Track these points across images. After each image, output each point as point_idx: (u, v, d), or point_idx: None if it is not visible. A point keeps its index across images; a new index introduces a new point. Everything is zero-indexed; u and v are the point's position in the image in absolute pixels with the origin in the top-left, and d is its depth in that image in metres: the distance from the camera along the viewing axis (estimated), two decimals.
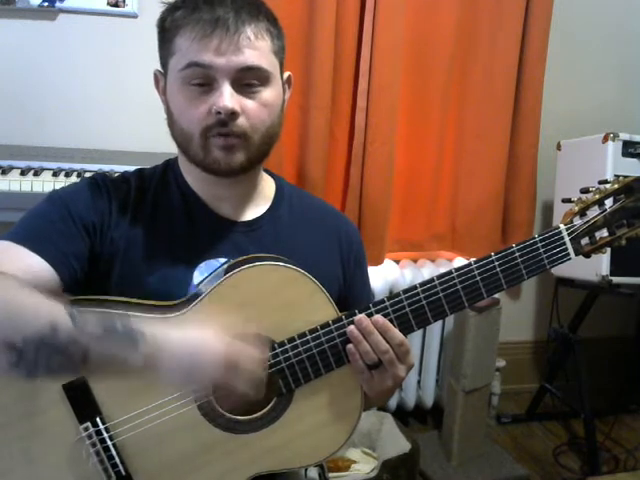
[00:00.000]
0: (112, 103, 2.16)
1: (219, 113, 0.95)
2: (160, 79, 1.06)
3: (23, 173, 1.81)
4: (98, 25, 2.11)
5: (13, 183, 1.75)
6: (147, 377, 0.86)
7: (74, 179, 1.83)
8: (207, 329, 0.89)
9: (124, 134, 2.14)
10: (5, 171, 1.79)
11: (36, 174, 1.81)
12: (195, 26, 0.95)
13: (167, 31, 0.99)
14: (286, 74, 1.09)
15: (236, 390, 0.89)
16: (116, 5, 2.10)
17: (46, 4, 2.04)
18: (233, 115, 0.96)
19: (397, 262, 2.48)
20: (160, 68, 1.05)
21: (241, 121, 0.97)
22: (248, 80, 0.97)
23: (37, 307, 0.83)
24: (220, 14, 0.94)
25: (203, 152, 0.99)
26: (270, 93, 1.00)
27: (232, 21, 0.94)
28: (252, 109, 0.98)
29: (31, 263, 0.93)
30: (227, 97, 0.95)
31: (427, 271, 2.40)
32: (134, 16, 2.13)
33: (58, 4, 2.05)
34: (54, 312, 0.83)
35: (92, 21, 2.11)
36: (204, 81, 0.96)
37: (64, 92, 2.12)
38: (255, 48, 0.97)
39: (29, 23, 2.07)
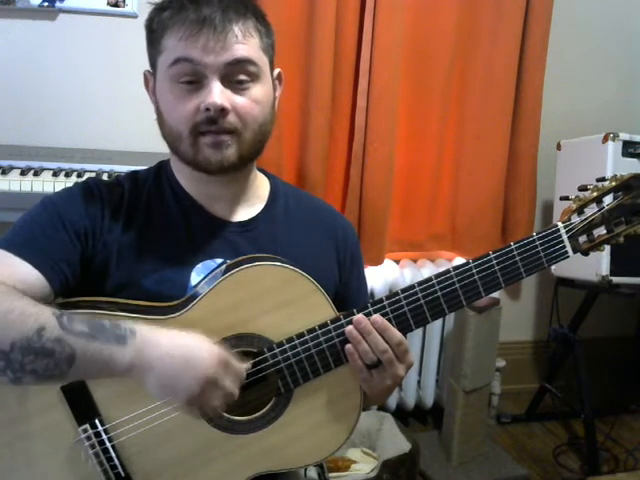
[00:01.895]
0: (112, 103, 2.15)
1: (208, 110, 0.94)
2: (150, 79, 1.05)
3: (23, 173, 1.80)
4: (98, 25, 2.11)
5: (13, 183, 1.75)
6: (131, 380, 0.86)
7: (74, 179, 1.82)
8: (199, 337, 0.89)
9: (124, 134, 2.13)
10: (5, 171, 1.79)
11: (36, 174, 1.80)
12: (181, 26, 0.94)
13: (154, 32, 0.99)
14: (276, 71, 1.08)
15: (209, 404, 0.88)
16: (116, 5, 2.10)
17: (46, 4, 2.04)
18: (223, 112, 0.95)
19: (397, 262, 2.48)
20: (149, 68, 1.05)
21: (231, 118, 0.96)
22: (238, 76, 0.97)
23: (23, 311, 0.84)
24: (207, 13, 0.93)
25: (193, 150, 0.98)
26: (260, 89, 1.00)
27: (219, 20, 0.94)
28: (243, 105, 0.97)
29: (21, 271, 0.92)
30: (216, 94, 0.94)
31: (427, 271, 2.39)
32: (134, 16, 2.12)
33: (58, 4, 2.05)
34: (41, 315, 0.84)
35: (92, 21, 2.10)
36: (193, 78, 0.96)
37: (64, 92, 2.12)
38: (243, 44, 0.96)
39: (29, 23, 2.06)
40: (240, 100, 0.97)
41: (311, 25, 2.16)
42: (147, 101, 1.09)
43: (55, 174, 1.83)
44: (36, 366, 0.82)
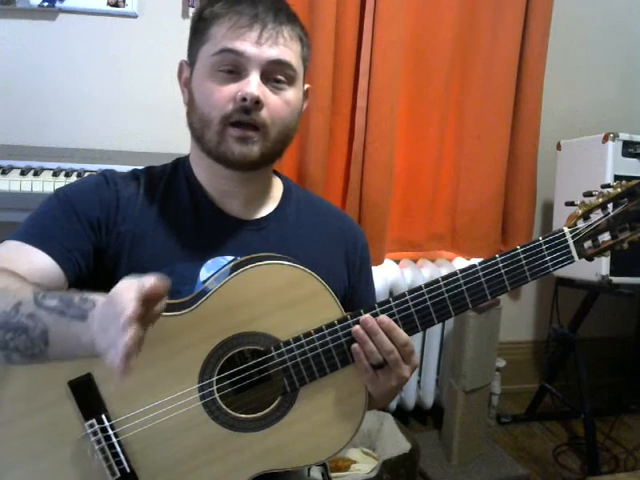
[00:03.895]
0: (112, 103, 2.14)
1: (244, 100, 0.96)
2: (185, 69, 1.07)
3: (23, 173, 1.80)
4: (98, 25, 2.11)
5: (13, 183, 1.74)
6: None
7: (74, 179, 1.81)
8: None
9: (124, 134, 2.13)
10: (5, 171, 1.78)
11: (36, 174, 1.80)
12: (233, 17, 0.97)
13: (203, 21, 1.01)
14: (305, 85, 1.10)
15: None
16: (116, 5, 2.10)
17: (46, 4, 2.03)
18: (257, 105, 0.97)
19: (397, 262, 2.48)
20: (187, 59, 1.07)
21: (263, 112, 0.98)
22: (276, 75, 0.99)
23: (7, 287, 0.84)
24: (260, 11, 0.97)
25: (218, 139, 0.99)
26: (293, 94, 1.02)
27: (271, 19, 0.98)
28: (275, 104, 0.99)
29: (37, 261, 0.94)
30: (255, 85, 0.96)
31: (427, 271, 2.40)
32: (134, 16, 2.12)
33: (58, 4, 2.04)
34: (21, 291, 0.84)
35: (92, 21, 2.10)
36: (233, 69, 0.98)
37: (64, 92, 2.12)
38: (289, 47, 1.00)
39: (29, 23, 2.06)
40: (273, 98, 0.99)
41: (311, 25, 2.15)
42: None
43: (55, 174, 1.83)
44: (17, 343, 0.82)
